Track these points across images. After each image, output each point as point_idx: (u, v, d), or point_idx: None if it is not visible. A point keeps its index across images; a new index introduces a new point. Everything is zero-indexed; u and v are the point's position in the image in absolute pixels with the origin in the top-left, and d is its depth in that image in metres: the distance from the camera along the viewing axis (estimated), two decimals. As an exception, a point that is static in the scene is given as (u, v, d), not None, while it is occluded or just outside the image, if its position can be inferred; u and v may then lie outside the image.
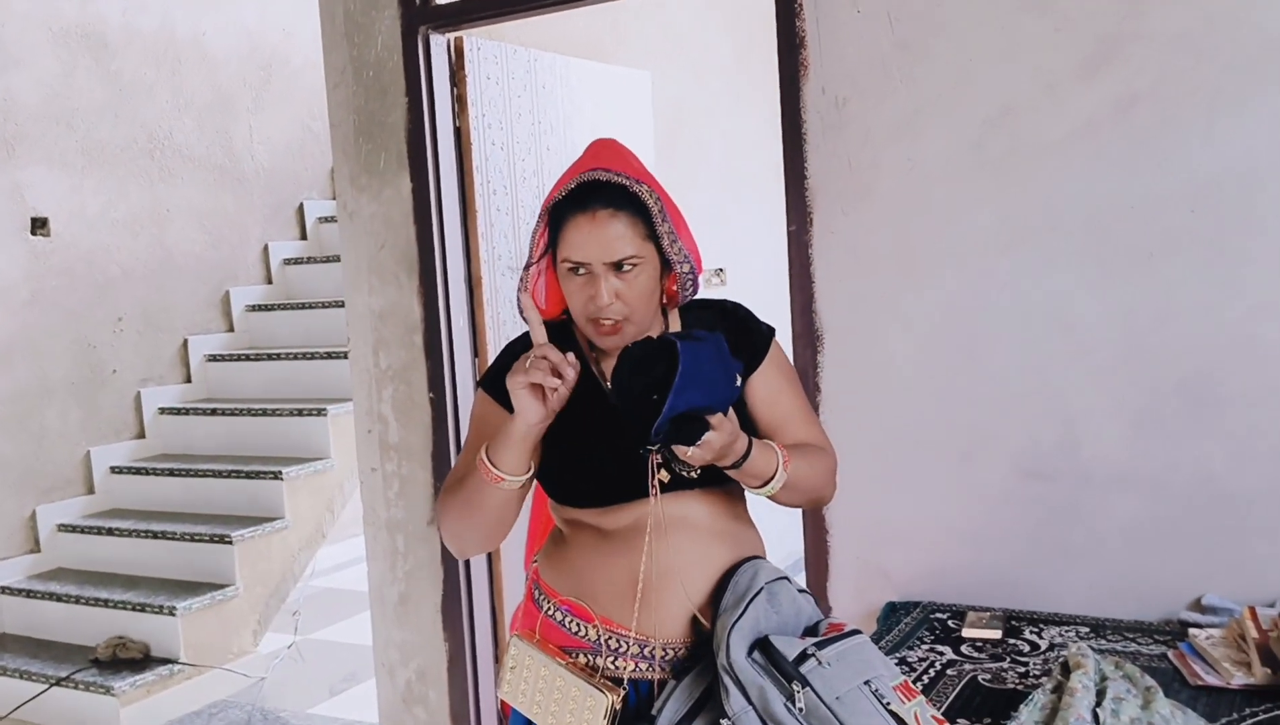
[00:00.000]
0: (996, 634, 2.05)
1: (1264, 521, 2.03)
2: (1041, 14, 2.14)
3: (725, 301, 1.59)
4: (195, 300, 5.26)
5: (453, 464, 2.94)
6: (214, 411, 4.91)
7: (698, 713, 1.36)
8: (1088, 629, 2.08)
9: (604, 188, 1.40)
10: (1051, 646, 1.99)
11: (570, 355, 1.33)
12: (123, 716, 3.79)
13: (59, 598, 4.25)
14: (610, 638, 1.44)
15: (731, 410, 1.32)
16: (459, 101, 2.99)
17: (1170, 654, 1.90)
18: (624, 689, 1.41)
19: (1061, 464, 2.18)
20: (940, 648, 2.02)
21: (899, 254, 2.30)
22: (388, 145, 2.97)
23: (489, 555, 3.04)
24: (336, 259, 4.85)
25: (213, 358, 5.22)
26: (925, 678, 1.87)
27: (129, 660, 3.98)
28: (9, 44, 4.50)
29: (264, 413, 4.80)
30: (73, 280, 4.70)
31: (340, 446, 4.61)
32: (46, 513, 4.56)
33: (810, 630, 1.44)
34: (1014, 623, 2.13)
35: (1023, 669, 1.89)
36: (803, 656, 1.33)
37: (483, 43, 3.07)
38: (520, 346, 1.51)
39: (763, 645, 1.34)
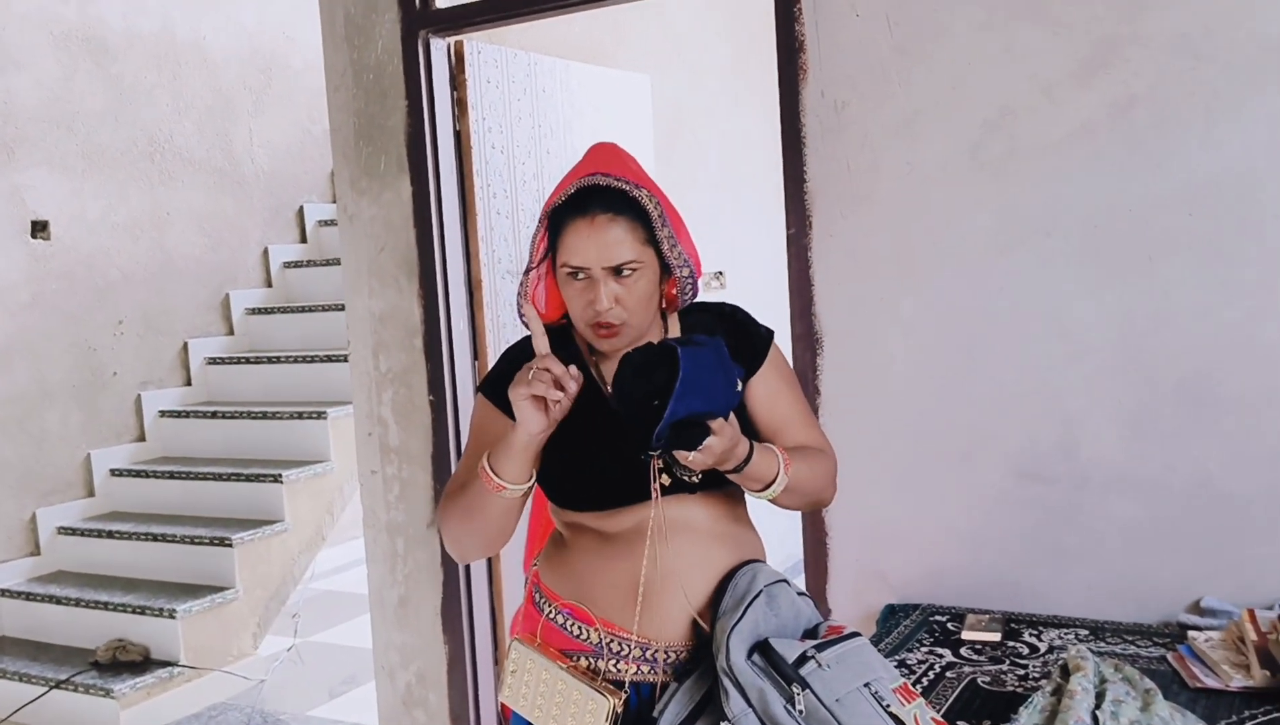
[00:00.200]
0: (996, 636, 2.05)
1: (1262, 523, 2.03)
2: (1039, 17, 2.14)
3: (724, 304, 1.59)
4: (195, 303, 5.26)
5: (453, 467, 2.95)
6: (214, 414, 4.92)
7: (699, 715, 1.37)
8: (1087, 631, 2.08)
9: (603, 192, 1.41)
10: (1051, 649, 1.99)
11: (573, 368, 1.33)
12: (122, 719, 3.79)
13: (59, 600, 4.25)
14: (611, 640, 1.44)
15: (732, 414, 1.33)
16: (459, 105, 3.00)
17: (1169, 656, 1.90)
18: (625, 692, 1.41)
19: (1060, 466, 2.19)
20: (939, 650, 2.02)
21: (898, 257, 2.31)
22: (388, 148, 2.97)
23: (489, 558, 3.04)
24: (336, 262, 4.84)
25: (213, 361, 5.22)
26: (924, 680, 1.88)
27: (129, 663, 3.98)
28: (9, 47, 4.51)
29: (264, 416, 4.80)
30: (73, 283, 4.70)
31: (340, 449, 4.61)
32: (46, 515, 4.57)
33: (810, 633, 1.45)
34: (1013, 625, 2.13)
35: (1022, 671, 1.89)
36: (802, 659, 1.33)
37: (483, 46, 3.07)
38: (520, 352, 1.52)
39: (762, 648, 1.34)
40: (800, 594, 1.49)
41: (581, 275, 1.40)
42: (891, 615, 2.26)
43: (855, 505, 2.32)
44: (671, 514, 1.43)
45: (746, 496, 1.50)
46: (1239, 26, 2.00)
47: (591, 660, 1.45)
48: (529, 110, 3.28)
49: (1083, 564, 2.18)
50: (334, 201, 5.60)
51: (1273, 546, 2.03)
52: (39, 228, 4.59)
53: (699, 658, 1.42)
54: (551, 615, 1.49)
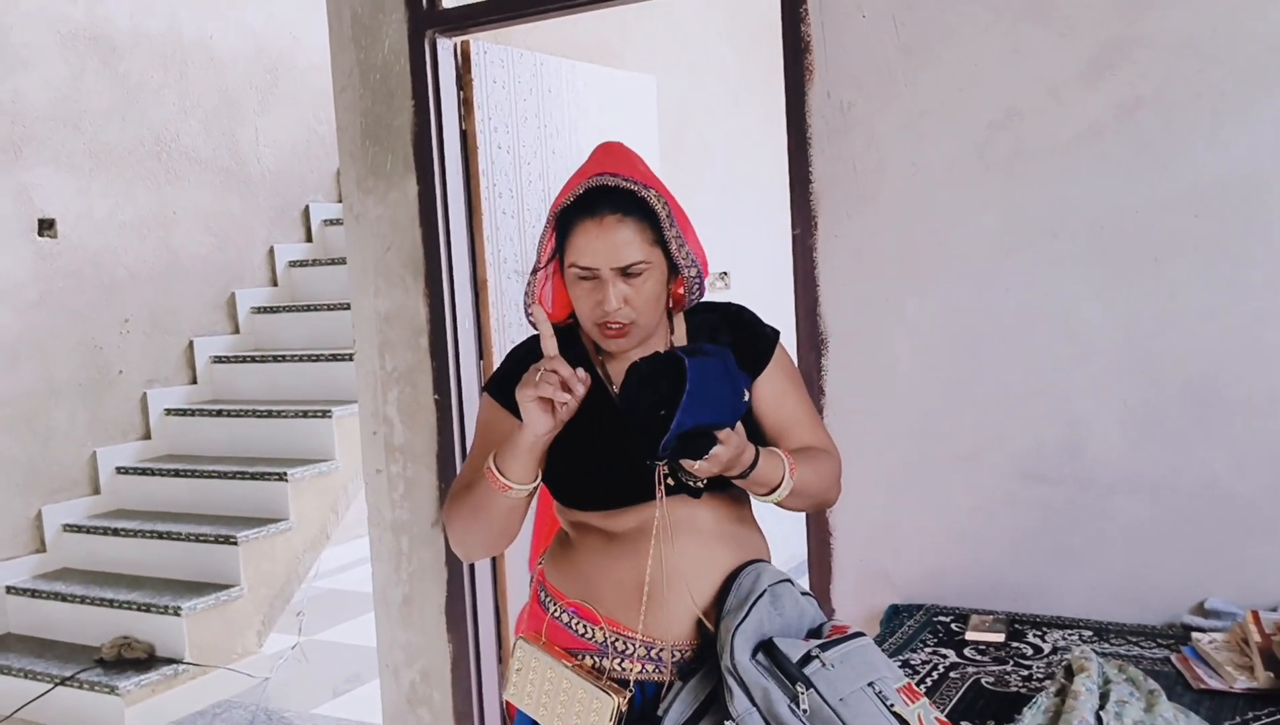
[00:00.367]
0: (1000, 637, 2.05)
1: (1267, 525, 2.03)
2: (1046, 18, 2.14)
3: (730, 305, 1.59)
4: (201, 302, 5.28)
5: (458, 467, 2.96)
6: (219, 413, 4.93)
7: (703, 714, 1.37)
8: (1091, 632, 2.08)
9: (611, 193, 1.41)
10: (1055, 650, 1.99)
11: (580, 370, 1.33)
12: (127, 716, 3.80)
13: (64, 597, 4.26)
14: (616, 639, 1.44)
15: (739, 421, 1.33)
16: (465, 105, 3.00)
17: (1173, 658, 1.90)
18: (630, 691, 1.42)
19: (1065, 467, 2.19)
20: (943, 650, 2.02)
21: (903, 257, 2.31)
22: (394, 148, 2.98)
23: (493, 557, 3.04)
24: (342, 261, 4.86)
25: (218, 359, 5.24)
26: (928, 680, 1.88)
27: (134, 660, 3.99)
28: (17, 46, 4.52)
29: (269, 414, 4.81)
30: (79, 282, 4.72)
31: (345, 448, 4.62)
32: (52, 513, 4.58)
33: (814, 633, 1.45)
34: (1017, 626, 2.13)
35: (1026, 672, 1.89)
36: (806, 658, 1.33)
37: (489, 46, 3.08)
38: (526, 352, 1.52)
39: (767, 647, 1.34)
40: (804, 594, 1.49)
41: (590, 276, 1.40)
42: (895, 615, 2.26)
43: (860, 505, 2.32)
44: (676, 514, 1.44)
45: (751, 496, 1.50)
46: (1246, 28, 2.00)
47: (596, 659, 1.46)
48: (535, 110, 3.28)
49: (1087, 565, 2.18)
50: (340, 201, 5.60)
51: (1277, 548, 2.03)
52: (46, 226, 4.61)
53: (704, 657, 1.43)
54: (557, 614, 1.50)
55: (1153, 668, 1.86)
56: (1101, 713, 1.58)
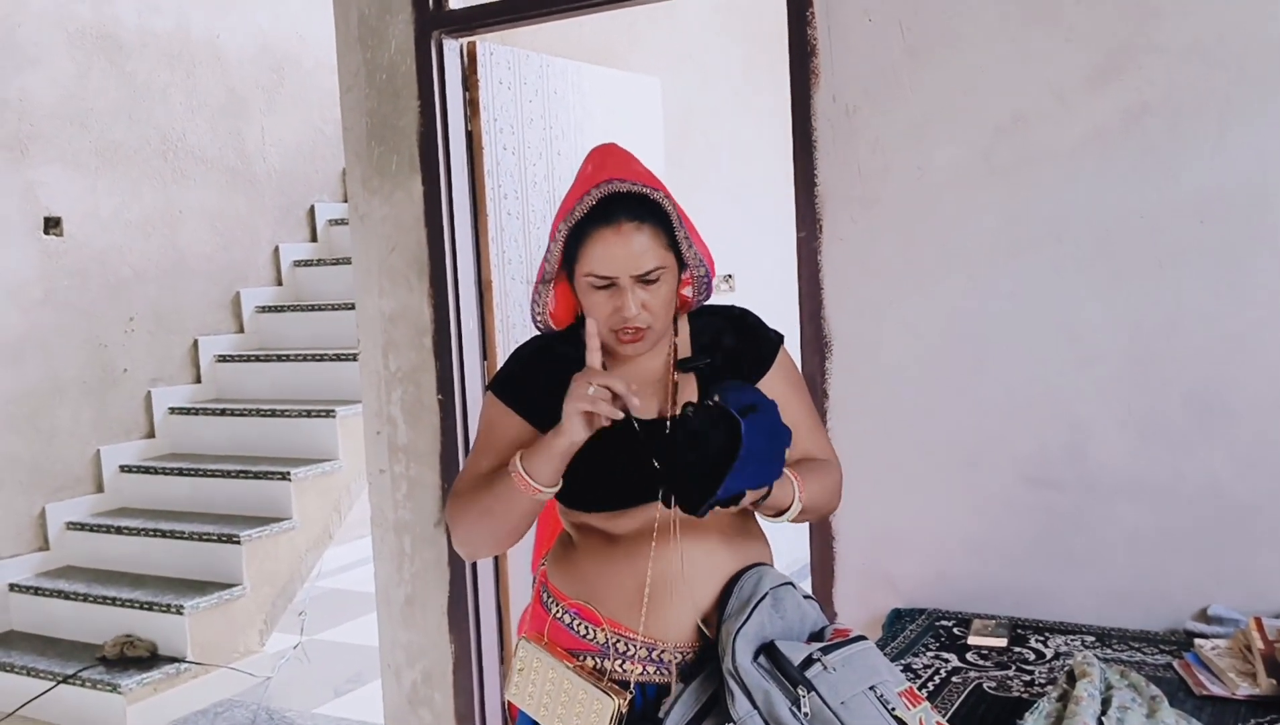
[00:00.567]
0: (1002, 642, 2.05)
1: (1271, 532, 2.03)
2: (1052, 24, 2.14)
3: (733, 308, 1.59)
4: (206, 301, 5.29)
5: (461, 467, 2.96)
6: (223, 412, 4.94)
7: (704, 716, 1.37)
8: (1093, 638, 2.08)
9: (624, 199, 1.39)
10: (1057, 655, 1.99)
11: (633, 384, 1.33)
12: (129, 714, 3.81)
13: (67, 595, 4.27)
14: (617, 641, 1.44)
15: None
16: (471, 106, 3.01)
17: (1176, 664, 1.90)
18: (630, 692, 1.42)
19: (1068, 472, 2.18)
20: (945, 655, 2.02)
21: (908, 261, 2.31)
22: (399, 148, 2.98)
23: (495, 557, 3.04)
24: (347, 261, 4.84)
25: (223, 358, 5.24)
26: (930, 685, 1.88)
27: (136, 658, 3.99)
28: (25, 44, 4.53)
29: (273, 413, 4.81)
30: (85, 280, 4.73)
31: (348, 448, 4.62)
32: (56, 511, 4.59)
33: (815, 636, 1.45)
34: (1019, 631, 2.13)
35: (1028, 677, 1.89)
36: (808, 661, 1.33)
37: (495, 47, 3.08)
38: (531, 353, 1.52)
39: (768, 650, 1.35)
40: (806, 597, 1.49)
41: (607, 283, 1.39)
42: (898, 619, 2.26)
43: (862, 509, 2.32)
44: (679, 516, 1.44)
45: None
46: (1252, 34, 2.00)
47: (598, 660, 1.46)
48: (540, 111, 3.29)
49: (1090, 570, 2.18)
50: (345, 201, 5.63)
51: (1281, 555, 2.02)
52: (52, 224, 4.62)
53: (705, 659, 1.43)
54: (559, 615, 1.50)
55: (1155, 674, 1.86)
56: (1104, 718, 1.58)
